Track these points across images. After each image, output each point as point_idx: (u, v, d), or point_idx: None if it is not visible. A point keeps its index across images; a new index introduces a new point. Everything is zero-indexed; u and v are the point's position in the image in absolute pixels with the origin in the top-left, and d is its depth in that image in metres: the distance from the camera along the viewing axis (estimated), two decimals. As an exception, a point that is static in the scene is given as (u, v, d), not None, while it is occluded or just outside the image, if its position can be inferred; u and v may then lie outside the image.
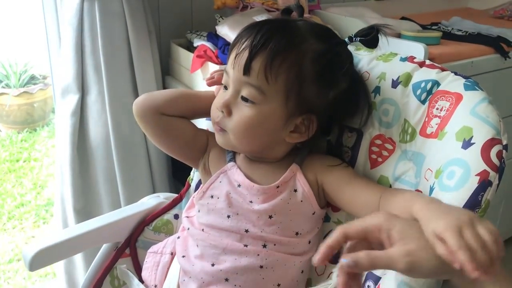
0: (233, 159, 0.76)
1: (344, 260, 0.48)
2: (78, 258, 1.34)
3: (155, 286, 0.76)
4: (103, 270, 0.78)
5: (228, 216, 0.71)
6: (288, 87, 0.66)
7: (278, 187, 0.71)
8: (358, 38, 0.73)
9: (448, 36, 1.47)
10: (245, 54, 0.65)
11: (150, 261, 0.77)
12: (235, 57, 0.67)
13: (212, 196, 0.73)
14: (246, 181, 0.72)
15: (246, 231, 0.70)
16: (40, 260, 0.70)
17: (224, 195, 0.72)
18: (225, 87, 0.71)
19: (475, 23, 1.65)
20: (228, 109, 0.69)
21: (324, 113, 0.69)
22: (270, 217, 0.70)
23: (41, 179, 2.29)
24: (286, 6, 0.75)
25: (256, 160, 0.75)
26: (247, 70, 0.65)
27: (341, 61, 0.69)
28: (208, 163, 0.77)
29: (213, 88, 0.78)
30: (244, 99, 0.67)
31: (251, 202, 0.71)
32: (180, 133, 0.77)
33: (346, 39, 0.73)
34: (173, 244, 0.78)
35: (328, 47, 0.68)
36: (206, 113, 0.77)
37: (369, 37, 0.71)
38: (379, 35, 0.72)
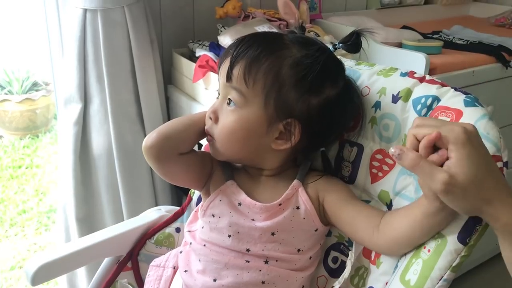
0: (231, 177, 0.75)
1: (392, 149, 0.56)
2: (80, 269, 1.34)
3: None
4: (105, 284, 0.78)
5: (229, 236, 0.70)
6: (266, 90, 0.67)
7: (280, 204, 0.71)
8: (341, 45, 0.76)
9: (450, 45, 1.47)
10: (227, 62, 0.69)
11: (153, 274, 0.77)
12: (220, 66, 0.72)
13: (213, 215, 0.73)
14: (247, 199, 0.72)
15: (248, 250, 0.70)
16: (42, 275, 0.70)
17: (224, 214, 0.72)
18: (218, 95, 0.74)
19: (476, 31, 1.65)
20: (215, 115, 0.71)
21: (308, 119, 0.69)
22: (273, 234, 0.70)
23: (43, 186, 2.29)
24: (290, 30, 0.76)
25: (255, 175, 0.75)
26: (229, 76, 0.68)
27: (325, 67, 0.69)
28: (210, 183, 0.76)
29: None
30: (228, 101, 0.69)
31: (253, 220, 0.71)
32: (193, 167, 0.76)
33: (330, 47, 0.75)
34: (175, 258, 0.78)
35: (308, 53, 0.69)
36: None
37: (350, 42, 0.75)
38: (361, 39, 0.75)
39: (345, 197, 0.72)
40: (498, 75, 1.41)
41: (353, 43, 0.75)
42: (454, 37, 1.57)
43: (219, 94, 0.72)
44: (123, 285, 0.78)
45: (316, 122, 0.70)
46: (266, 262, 0.69)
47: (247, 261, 0.69)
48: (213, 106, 0.72)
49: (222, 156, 0.73)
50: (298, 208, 0.71)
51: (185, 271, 0.72)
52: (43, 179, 2.34)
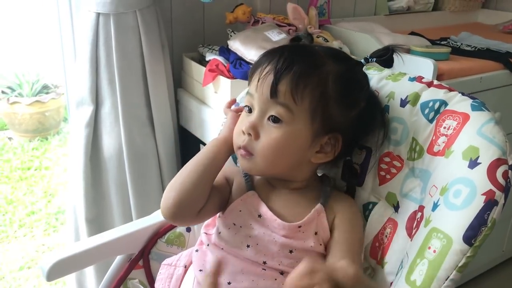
0: (252, 187, 0.74)
1: None
2: (89, 268, 1.36)
3: None
4: (117, 281, 0.80)
5: (248, 246, 0.70)
6: (313, 106, 0.67)
7: (300, 227, 0.70)
8: (374, 59, 0.75)
9: (457, 51, 1.48)
10: (270, 77, 0.67)
11: (164, 273, 0.78)
12: (259, 80, 0.69)
13: (234, 224, 0.72)
14: (268, 213, 0.71)
15: (264, 262, 0.69)
16: (57, 271, 0.72)
17: (245, 225, 0.71)
18: (250, 110, 0.71)
19: (484, 38, 1.66)
20: (255, 131, 0.69)
21: (348, 132, 0.71)
22: (291, 251, 0.69)
23: (51, 188, 2.31)
24: (296, 35, 0.77)
25: (279, 187, 0.74)
26: (274, 92, 0.67)
27: (359, 81, 0.72)
28: (231, 195, 0.75)
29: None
30: (273, 118, 0.68)
31: (272, 233, 0.70)
32: (213, 205, 0.74)
33: (362, 60, 0.75)
34: (187, 257, 0.78)
35: (347, 68, 0.70)
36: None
37: (385, 57, 0.74)
38: (394, 55, 0.74)
39: (348, 231, 0.72)
40: (505, 81, 1.42)
41: (388, 58, 0.74)
42: (462, 44, 1.58)
43: (249, 109, 0.71)
44: (134, 285, 0.79)
45: (351, 134, 0.71)
46: (282, 273, 0.69)
47: (264, 269, 0.69)
48: (249, 121, 0.69)
49: (259, 171, 0.72)
50: (316, 233, 0.70)
51: (200, 270, 0.72)
52: (52, 181, 2.37)
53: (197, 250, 0.76)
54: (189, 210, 0.70)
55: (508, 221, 1.71)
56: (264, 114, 0.69)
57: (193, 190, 0.69)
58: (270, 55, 0.70)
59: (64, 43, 1.33)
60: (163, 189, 1.37)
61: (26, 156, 2.57)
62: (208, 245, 0.74)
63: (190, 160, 0.73)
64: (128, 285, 0.80)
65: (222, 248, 0.72)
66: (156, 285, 0.77)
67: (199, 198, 0.70)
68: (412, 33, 1.64)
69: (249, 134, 0.69)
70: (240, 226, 0.71)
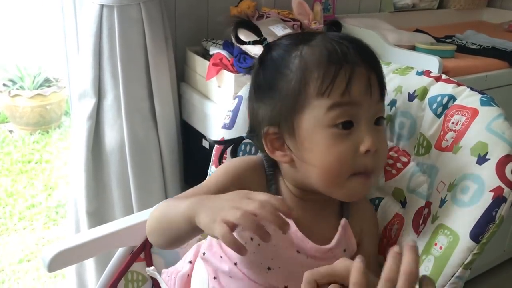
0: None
1: None
2: (89, 260, 1.35)
3: None
4: (118, 273, 0.79)
5: (269, 268, 0.62)
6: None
7: (331, 249, 0.65)
8: None
9: (463, 49, 1.47)
10: (374, 78, 0.60)
11: (165, 276, 0.75)
12: (358, 84, 0.59)
13: (251, 239, 0.62)
14: (299, 233, 0.63)
15: (285, 287, 0.63)
16: (58, 262, 0.71)
17: (267, 244, 0.60)
18: (349, 125, 0.59)
19: (489, 36, 1.65)
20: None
21: None
22: None
23: (52, 181, 2.31)
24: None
25: (304, 197, 0.67)
26: (383, 93, 0.62)
27: None
28: None
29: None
30: (379, 120, 0.62)
31: (298, 252, 0.63)
32: None
33: None
34: (191, 255, 0.75)
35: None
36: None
37: None
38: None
39: (371, 240, 0.70)
40: (511, 80, 1.41)
41: None
42: (467, 42, 1.57)
43: (349, 122, 0.59)
44: (151, 273, 0.77)
45: None
46: None
47: (286, 286, 0.63)
48: (373, 135, 0.59)
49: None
50: (345, 251, 0.66)
51: (214, 278, 0.66)
52: (52, 175, 2.36)
53: (204, 253, 0.68)
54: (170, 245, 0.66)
55: (510, 220, 1.70)
56: (372, 119, 0.61)
57: (174, 243, 0.65)
58: (335, 54, 0.59)
59: (67, 35, 1.32)
60: (164, 183, 1.38)
61: (27, 149, 2.57)
62: (221, 257, 0.65)
63: (170, 208, 0.63)
64: (130, 276, 0.80)
65: (236, 264, 0.63)
66: (163, 276, 0.76)
67: (184, 242, 0.65)
68: (417, 31, 1.63)
69: (368, 151, 0.59)
70: (259, 244, 0.62)
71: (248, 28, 0.67)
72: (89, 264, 1.36)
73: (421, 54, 1.30)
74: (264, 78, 0.64)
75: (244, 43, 0.67)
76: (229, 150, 0.77)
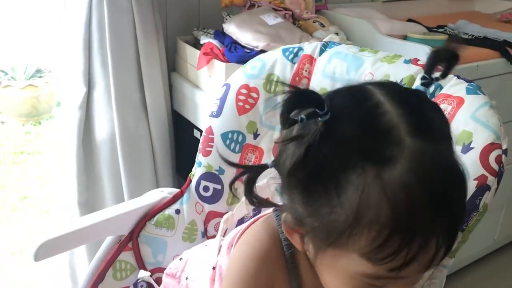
0: None
1: None
2: (81, 252, 1.35)
3: None
4: (106, 263, 0.79)
5: None
6: None
7: None
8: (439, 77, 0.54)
9: (454, 39, 1.47)
10: (442, 251, 0.47)
11: (169, 283, 0.74)
12: (410, 263, 0.45)
13: None
14: None
15: None
16: (45, 251, 0.71)
17: None
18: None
19: (482, 26, 1.65)
20: None
21: None
22: None
23: (45, 172, 2.30)
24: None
25: None
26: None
27: None
28: None
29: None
30: None
31: None
32: None
33: (419, 86, 0.52)
34: (189, 270, 0.74)
35: None
36: None
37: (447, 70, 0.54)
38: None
39: None
40: (502, 70, 1.41)
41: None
42: (459, 32, 1.57)
43: None
44: (145, 278, 0.76)
45: None
46: None
47: None
48: None
49: None
50: None
51: None
52: (45, 166, 2.35)
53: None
54: None
55: (500, 210, 1.71)
56: None
57: None
58: (409, 217, 0.43)
59: (57, 25, 1.31)
60: (155, 173, 1.38)
61: (19, 140, 2.55)
62: None
63: None
64: (118, 265, 0.80)
65: None
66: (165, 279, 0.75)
67: None
68: (410, 20, 1.62)
69: None
70: None
71: (306, 103, 0.45)
72: (81, 255, 1.36)
73: (412, 44, 1.29)
74: (312, 172, 0.46)
75: (294, 122, 0.45)
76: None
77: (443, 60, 0.52)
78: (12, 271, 1.70)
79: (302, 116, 0.44)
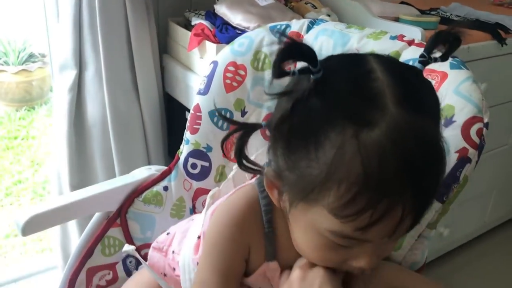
0: (273, 255, 0.59)
1: None
2: (74, 233, 1.36)
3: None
4: (94, 239, 0.80)
5: None
6: None
7: None
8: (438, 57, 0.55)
9: (446, 21, 1.47)
10: (408, 219, 0.47)
11: (155, 256, 0.75)
12: (373, 226, 0.46)
13: None
14: None
15: None
16: (32, 226, 0.72)
17: None
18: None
19: (475, 9, 1.65)
20: None
21: None
22: None
23: (39, 157, 2.30)
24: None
25: None
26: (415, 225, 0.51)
27: None
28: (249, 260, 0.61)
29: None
30: None
31: None
32: None
33: (417, 63, 0.54)
34: (176, 244, 0.74)
35: None
36: None
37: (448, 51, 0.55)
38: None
39: None
40: (493, 52, 1.41)
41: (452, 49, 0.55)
42: (451, 14, 1.56)
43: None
44: (130, 252, 0.77)
45: None
46: None
47: None
48: (368, 260, 0.51)
49: None
50: None
51: None
52: (39, 151, 2.35)
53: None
54: None
55: (490, 192, 1.73)
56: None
57: None
58: (380, 180, 0.43)
59: (47, 7, 1.30)
60: (148, 156, 1.38)
61: (13, 126, 2.55)
62: None
63: None
64: (106, 241, 0.81)
65: None
66: (149, 263, 0.76)
67: None
68: (402, 3, 1.62)
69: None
70: None
71: (300, 56, 0.45)
72: (74, 237, 1.37)
73: (404, 25, 1.29)
74: (295, 126, 0.47)
75: (285, 74, 0.45)
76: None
77: (445, 41, 0.54)
78: (7, 254, 1.71)
79: (295, 70, 0.45)
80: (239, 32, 1.20)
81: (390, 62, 0.49)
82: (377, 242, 0.48)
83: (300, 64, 0.45)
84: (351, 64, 0.49)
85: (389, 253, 0.54)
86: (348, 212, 0.45)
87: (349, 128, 0.44)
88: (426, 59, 0.53)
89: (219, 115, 0.74)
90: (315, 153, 0.45)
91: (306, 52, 0.45)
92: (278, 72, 0.44)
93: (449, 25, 0.53)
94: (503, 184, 1.74)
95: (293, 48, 0.45)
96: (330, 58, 0.50)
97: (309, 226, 0.50)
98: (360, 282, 0.55)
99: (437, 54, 0.54)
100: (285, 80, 0.46)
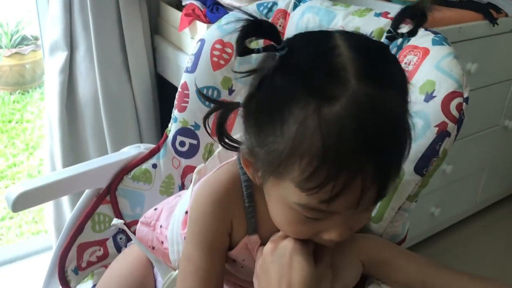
0: (255, 228, 0.61)
1: None
2: (68, 214, 1.37)
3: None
4: (85, 215, 0.81)
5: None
6: None
7: None
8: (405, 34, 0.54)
9: (439, 1, 1.46)
10: (372, 191, 0.47)
11: (143, 230, 0.77)
12: (336, 198, 0.47)
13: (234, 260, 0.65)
14: None
15: None
16: (23, 202, 0.73)
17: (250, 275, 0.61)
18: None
19: (468, -10, 1.64)
20: None
21: None
22: None
23: (33, 140, 2.30)
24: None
25: None
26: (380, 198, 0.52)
27: None
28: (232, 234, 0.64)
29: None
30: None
31: None
32: None
33: (384, 39, 0.55)
34: (164, 219, 0.76)
35: None
36: None
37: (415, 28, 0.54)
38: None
39: None
40: (485, 32, 1.41)
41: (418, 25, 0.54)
42: (444, -6, 1.56)
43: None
44: (118, 225, 0.79)
45: None
46: None
47: None
48: (339, 232, 0.52)
49: None
50: None
51: None
52: (33, 134, 2.35)
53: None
54: None
55: (481, 172, 1.75)
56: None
57: None
58: (338, 152, 0.44)
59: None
60: (140, 136, 1.38)
61: (7, 109, 2.54)
62: None
63: None
64: (96, 218, 0.82)
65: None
66: (137, 236, 0.77)
67: None
68: (395, -17, 1.61)
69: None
70: (242, 267, 0.66)
71: (261, 33, 0.47)
72: (67, 213, 1.38)
73: (395, 5, 1.29)
74: (261, 103, 0.48)
75: (250, 52, 0.47)
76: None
77: (411, 17, 0.53)
78: (3, 236, 1.73)
79: (259, 47, 0.46)
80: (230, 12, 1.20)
81: (355, 38, 0.50)
82: (345, 214, 0.49)
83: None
84: (316, 41, 0.50)
85: (362, 226, 0.55)
86: (311, 185, 0.46)
87: (311, 103, 0.44)
88: (392, 34, 0.53)
89: (200, 94, 0.75)
90: (280, 129, 0.46)
91: (266, 30, 0.46)
92: (241, 49, 0.46)
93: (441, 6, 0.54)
94: (494, 164, 1.76)
95: (254, 26, 0.46)
96: (297, 36, 0.51)
97: (280, 200, 0.52)
98: (330, 253, 0.56)
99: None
100: None
